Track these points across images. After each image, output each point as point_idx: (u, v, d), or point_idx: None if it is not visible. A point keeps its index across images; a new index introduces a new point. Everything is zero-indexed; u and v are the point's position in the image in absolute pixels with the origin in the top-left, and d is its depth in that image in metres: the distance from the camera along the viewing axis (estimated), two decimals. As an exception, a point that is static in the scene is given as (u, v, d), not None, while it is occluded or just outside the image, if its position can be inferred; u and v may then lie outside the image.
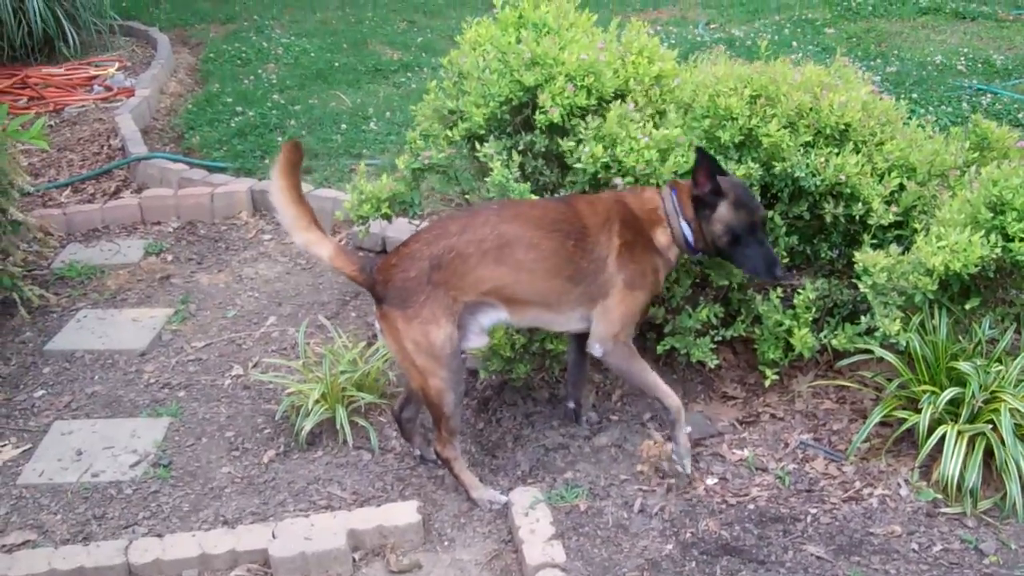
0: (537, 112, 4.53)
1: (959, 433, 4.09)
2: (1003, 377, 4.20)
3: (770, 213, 4.69)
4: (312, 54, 10.36)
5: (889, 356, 4.35)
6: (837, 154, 4.52)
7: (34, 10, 9.76)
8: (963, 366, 4.19)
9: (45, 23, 9.91)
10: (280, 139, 7.88)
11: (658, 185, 4.34)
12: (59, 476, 4.52)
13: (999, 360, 4.29)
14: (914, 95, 8.15)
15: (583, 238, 4.07)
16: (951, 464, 4.06)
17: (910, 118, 4.95)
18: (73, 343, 5.56)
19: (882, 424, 4.38)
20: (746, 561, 3.89)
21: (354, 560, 4.01)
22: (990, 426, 4.07)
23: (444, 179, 5.26)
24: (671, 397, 4.19)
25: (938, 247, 4.14)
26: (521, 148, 4.66)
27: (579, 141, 4.49)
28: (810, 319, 4.55)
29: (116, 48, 10.86)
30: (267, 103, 8.79)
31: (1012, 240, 4.16)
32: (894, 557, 3.89)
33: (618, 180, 4.41)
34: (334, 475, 4.48)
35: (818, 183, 4.51)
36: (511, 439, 4.65)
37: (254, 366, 5.28)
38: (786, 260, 4.67)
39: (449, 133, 4.79)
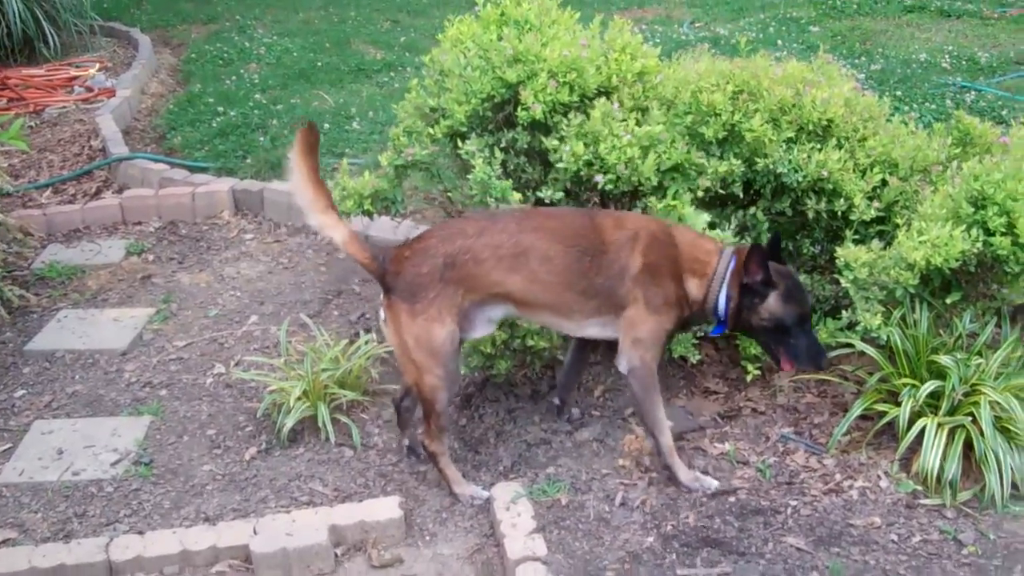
0: (519, 109, 4.54)
1: (939, 426, 4.11)
2: (983, 370, 4.22)
3: (752, 209, 4.72)
4: (295, 54, 10.35)
5: (870, 350, 4.37)
6: (819, 150, 4.54)
7: (13, 11, 9.71)
8: (943, 359, 4.22)
9: (24, 24, 9.87)
10: (262, 139, 7.87)
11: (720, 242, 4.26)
12: (40, 475, 4.49)
13: (979, 353, 4.31)
14: (898, 92, 8.20)
15: (600, 254, 4.02)
16: (931, 456, 4.07)
17: (893, 115, 4.98)
18: (54, 343, 5.53)
19: (863, 417, 4.39)
20: (726, 553, 3.90)
21: (336, 555, 4.00)
22: (970, 419, 4.09)
23: (427, 176, 5.25)
24: (667, 435, 4.19)
25: (919, 242, 4.17)
26: (503, 145, 4.66)
27: (561, 138, 4.50)
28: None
29: (97, 49, 10.82)
30: (249, 103, 8.77)
31: (993, 235, 4.18)
32: (873, 548, 3.91)
33: (599, 177, 4.41)
34: (316, 472, 4.47)
35: (800, 179, 4.53)
36: (493, 435, 4.65)
37: (236, 364, 5.26)
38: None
39: (431, 131, 4.79)
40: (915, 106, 7.85)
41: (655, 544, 3.97)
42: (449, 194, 5.20)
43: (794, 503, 4.16)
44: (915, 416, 4.18)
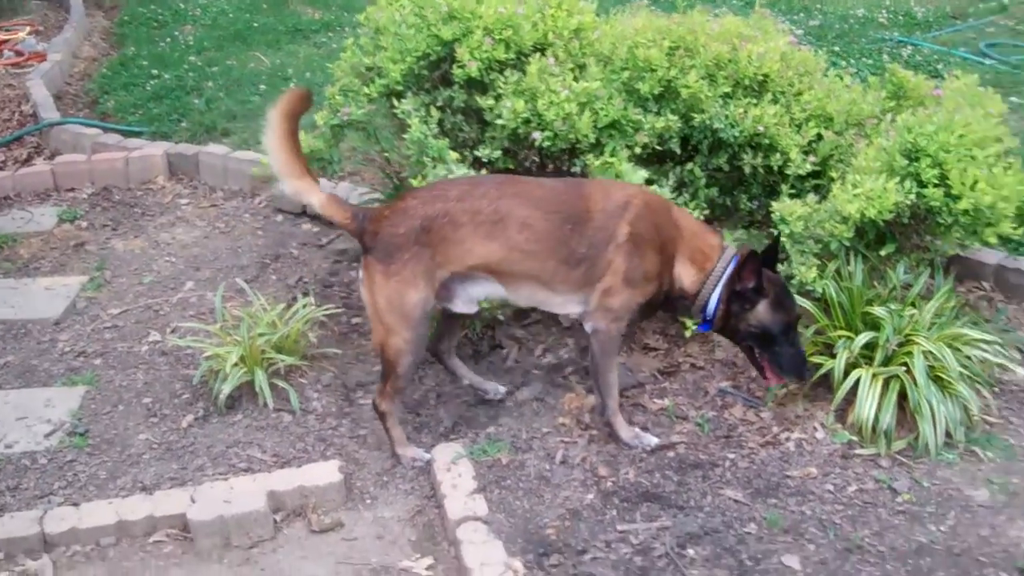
0: (455, 67, 4.50)
1: (874, 376, 4.15)
2: (917, 321, 4.27)
3: (690, 165, 4.71)
4: (230, 15, 10.17)
5: (806, 303, 4.39)
6: (755, 105, 4.54)
7: (-61, -27, 9.44)
8: (878, 311, 4.26)
9: (-49, -13, 9.60)
10: (197, 102, 7.74)
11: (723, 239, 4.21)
12: (-29, 447, 4.41)
13: (913, 304, 4.36)
14: (836, 48, 8.22)
15: (584, 222, 3.96)
16: (866, 407, 4.12)
17: (828, 70, 4.98)
18: (-16, 312, 5.42)
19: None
20: (665, 507, 3.93)
21: (275, 521, 3.97)
22: (904, 369, 4.13)
23: (364, 136, 5.21)
24: (614, 400, 4.20)
25: (854, 195, 4.19)
26: (440, 104, 4.63)
27: (499, 96, 4.46)
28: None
29: (27, 12, 10.56)
30: (184, 65, 8.61)
31: (926, 186, 4.21)
32: (810, 498, 3.95)
33: (536, 135, 4.38)
34: (254, 438, 4.42)
35: (737, 134, 4.54)
36: (434, 396, 4.64)
37: (172, 332, 5.18)
38: (706, 212, 4.68)
39: (367, 90, 4.74)
40: (852, 61, 7.88)
41: (595, 500, 3.98)
42: (386, 154, 5.15)
43: (732, 456, 4.19)
44: (850, 367, 4.21)
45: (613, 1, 6.88)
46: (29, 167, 7.05)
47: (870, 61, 7.80)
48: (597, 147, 4.48)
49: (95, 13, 10.84)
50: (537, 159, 4.71)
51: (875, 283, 4.48)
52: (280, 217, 6.28)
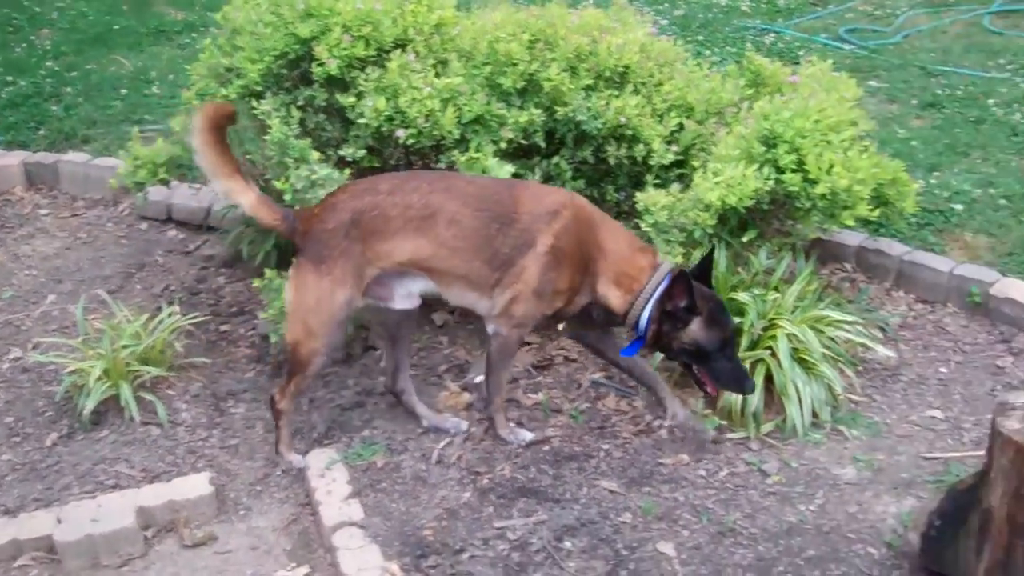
0: (314, 65, 4.43)
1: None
2: (780, 305, 4.35)
3: (556, 159, 4.72)
4: (90, 17, 9.83)
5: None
6: (617, 96, 4.57)
7: None
8: (742, 296, 4.33)
9: None
10: (55, 108, 7.49)
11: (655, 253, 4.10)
12: None
13: (776, 289, 4.44)
14: (700, 37, 8.33)
15: (510, 223, 3.87)
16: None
17: (688, 60, 5.04)
18: None
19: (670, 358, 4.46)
20: (542, 501, 3.94)
21: (146, 538, 3.88)
22: (769, 352, 4.21)
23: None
24: (501, 397, 4.22)
25: (715, 183, 4.25)
26: (300, 103, 4.56)
27: (360, 94, 4.41)
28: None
29: None
30: (41, 71, 8.31)
31: (784, 172, 4.30)
32: (683, 484, 4.01)
33: (400, 132, 4.34)
34: (121, 453, 4.30)
35: (600, 126, 4.56)
36: (306, 401, 4.56)
37: (33, 348, 5.00)
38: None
39: (225, 91, 4.64)
40: (717, 50, 7.99)
41: (472, 499, 3.98)
42: (249, 156, 5.05)
43: (606, 447, 4.22)
44: (718, 353, 4.27)
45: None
46: None
47: (734, 49, 7.91)
48: (462, 143, 4.45)
49: (-56, 19, 10.40)
50: (403, 157, 4.67)
51: (739, 269, 4.56)
52: (145, 225, 6.11)
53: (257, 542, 3.88)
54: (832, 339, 4.38)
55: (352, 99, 4.37)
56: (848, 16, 8.91)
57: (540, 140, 4.60)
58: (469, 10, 4.99)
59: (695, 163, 4.57)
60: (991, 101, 7.07)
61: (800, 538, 3.77)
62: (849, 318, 4.47)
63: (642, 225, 4.34)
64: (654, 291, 3.91)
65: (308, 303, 3.92)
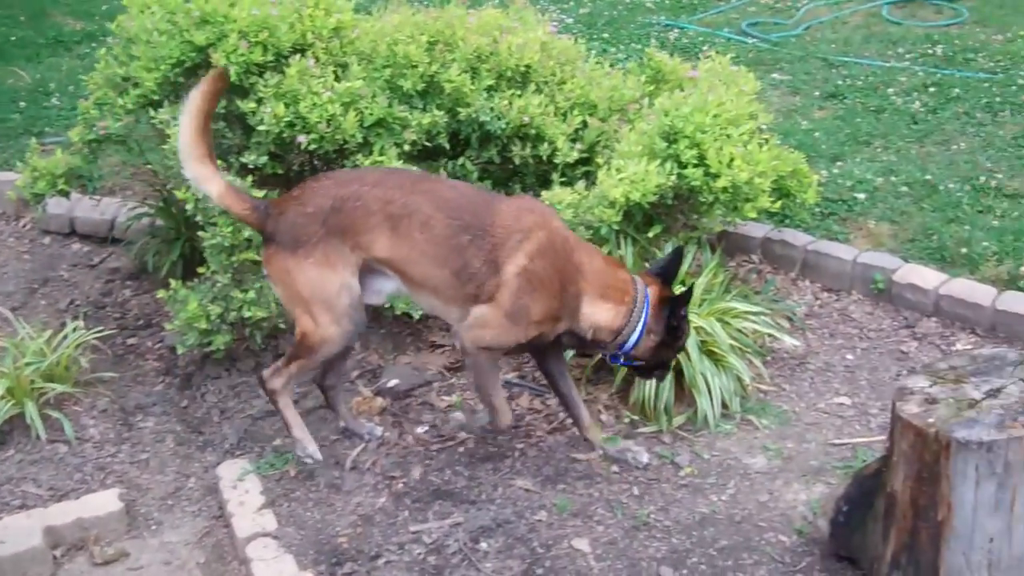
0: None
1: (650, 356, 4.25)
2: (687, 298, 4.39)
3: (461, 160, 4.72)
4: (-16, 29, 9.63)
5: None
6: (520, 96, 4.58)
7: None
8: (650, 291, 4.35)
9: None
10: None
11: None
12: None
13: (683, 282, 4.47)
14: (605, 35, 8.39)
15: (483, 235, 3.71)
16: (645, 385, 4.23)
17: (588, 57, 5.07)
18: None
19: (582, 355, 4.49)
20: (458, 503, 3.94)
21: (55, 557, 3.82)
22: (677, 346, 4.25)
23: (125, 150, 5.02)
24: (506, 415, 4.01)
25: (619, 180, 4.28)
26: (199, 111, 4.47)
27: (260, 100, 4.36)
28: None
29: None
30: (-65, 85, 8.11)
31: (686, 167, 4.35)
32: (597, 480, 4.03)
33: (302, 138, 4.30)
34: (27, 472, 4.21)
35: (504, 126, 4.56)
36: (217, 413, 4.52)
37: (-67, 369, 4.87)
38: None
39: (122, 101, 4.57)
40: (622, 47, 8.05)
41: (387, 504, 3.96)
42: (150, 166, 4.98)
43: (521, 446, 4.23)
44: (628, 349, 4.30)
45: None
46: None
47: (639, 46, 7.97)
48: (366, 146, 4.42)
49: None
50: (308, 162, 4.64)
51: (646, 264, 4.59)
52: (48, 239, 5.97)
53: (170, 557, 3.83)
54: (740, 330, 4.44)
55: (252, 105, 4.32)
56: (750, 10, 9.04)
57: (444, 141, 4.59)
58: (369, 13, 4.95)
59: (600, 160, 4.60)
60: (891, 90, 7.23)
61: (713, 528, 3.81)
62: (755, 309, 4.54)
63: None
64: (644, 301, 3.83)
65: (301, 290, 3.79)
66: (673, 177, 4.30)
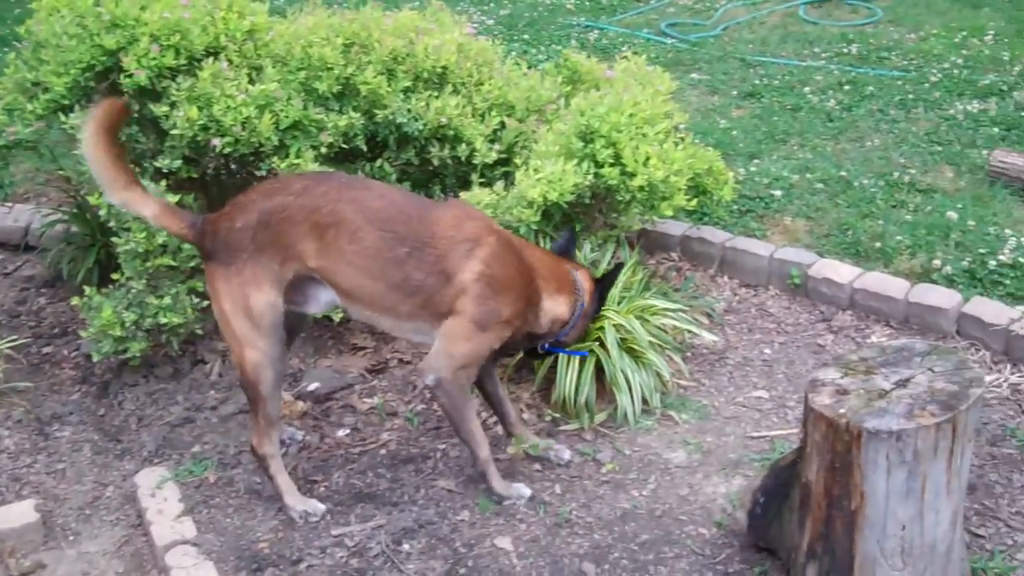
0: (123, 76, 4.32)
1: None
2: (606, 296, 4.43)
3: (379, 162, 4.71)
4: None
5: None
6: (437, 97, 4.59)
7: None
8: (569, 290, 4.38)
9: None
10: None
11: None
12: None
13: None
14: (526, 36, 8.44)
15: (423, 247, 3.61)
16: (565, 383, 4.24)
17: (507, 58, 5.10)
18: None
19: (504, 354, 4.49)
20: (380, 505, 3.93)
21: (-33, 572, 3.74)
22: (598, 343, 4.28)
23: (37, 156, 4.94)
24: (483, 448, 3.90)
25: (536, 179, 4.30)
26: (111, 115, 4.41)
27: (173, 104, 4.32)
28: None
29: None
30: None
31: (602, 166, 4.38)
32: (519, 479, 4.03)
33: (216, 141, 4.27)
34: (-60, 485, 4.13)
35: (421, 127, 4.56)
36: (135, 421, 4.46)
37: None
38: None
39: (31, 106, 4.49)
40: (543, 48, 8.11)
41: (309, 508, 3.94)
42: (62, 172, 4.90)
43: (443, 447, 4.23)
44: (548, 347, 4.33)
45: (292, 1, 6.78)
46: None
47: (559, 47, 8.02)
48: (282, 149, 4.40)
49: None
50: (223, 166, 4.60)
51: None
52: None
53: (88, 567, 3.77)
54: (659, 327, 4.48)
55: (165, 109, 4.28)
56: (669, 11, 9.15)
57: (361, 143, 4.58)
58: (284, 16, 4.92)
59: (518, 161, 4.63)
60: (807, 89, 7.36)
61: (634, 523, 3.84)
62: (674, 306, 4.58)
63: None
64: (582, 290, 3.92)
65: (227, 310, 3.67)
66: (590, 176, 4.33)
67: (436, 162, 4.67)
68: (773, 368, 4.72)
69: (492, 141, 4.66)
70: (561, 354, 4.22)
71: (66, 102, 4.40)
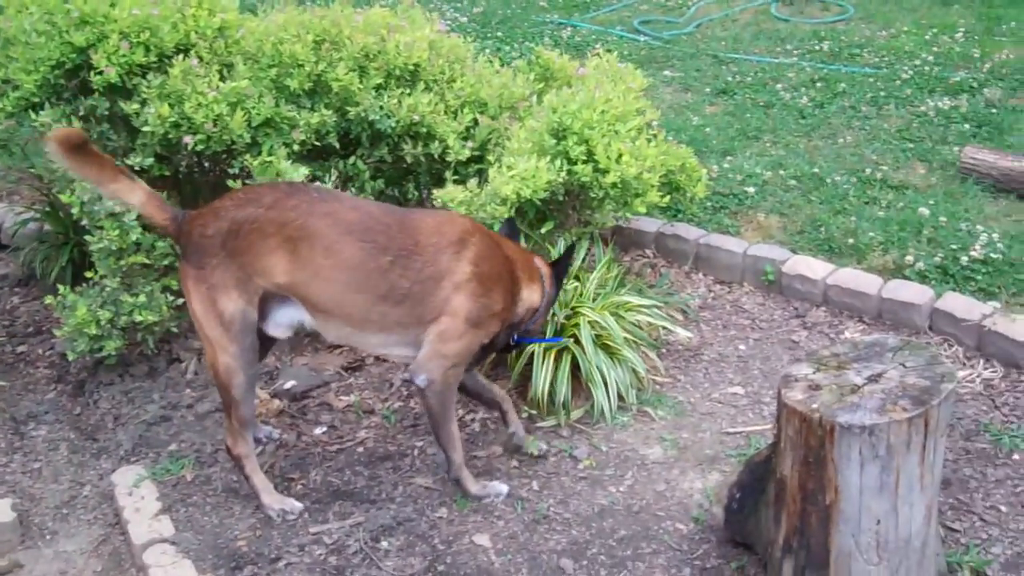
0: (93, 73, 4.30)
1: (545, 350, 4.29)
2: (581, 293, 4.44)
3: (352, 159, 4.70)
4: None
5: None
6: (409, 94, 4.58)
7: None
8: (544, 286, 4.39)
9: None
10: None
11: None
12: None
13: (577, 277, 4.52)
14: (500, 33, 8.44)
15: (408, 255, 3.60)
16: (541, 381, 4.25)
17: (479, 56, 5.10)
18: None
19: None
20: (358, 503, 3.93)
21: (-57, 573, 3.71)
22: (573, 339, 4.29)
23: (7, 154, 4.90)
24: (458, 452, 3.88)
25: (509, 176, 4.30)
26: (82, 113, 4.42)
27: (143, 101, 4.30)
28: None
29: None
30: None
31: (575, 163, 4.38)
32: (497, 476, 4.04)
33: (188, 138, 4.25)
34: (-86, 488, 4.10)
35: (394, 124, 4.56)
36: (111, 419, 4.44)
37: None
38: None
39: (1, 104, 4.45)
40: (516, 45, 8.11)
41: (286, 506, 3.93)
42: (33, 170, 4.87)
43: (420, 444, 4.23)
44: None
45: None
46: None
47: (533, 44, 8.04)
48: (255, 146, 4.39)
49: None
50: (196, 163, 4.58)
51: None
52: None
53: (65, 567, 3.75)
54: (635, 324, 4.49)
55: (136, 107, 4.26)
56: (642, 8, 9.17)
57: (334, 141, 4.57)
58: (255, 12, 4.91)
59: (491, 158, 4.63)
60: (779, 86, 7.40)
61: (612, 519, 3.85)
62: (648, 302, 4.60)
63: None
64: (546, 278, 3.95)
65: (197, 312, 3.66)
66: (563, 173, 4.33)
67: (409, 159, 4.67)
68: (748, 364, 4.74)
69: (465, 138, 4.66)
70: (537, 347, 4.23)
71: (36, 100, 4.37)
